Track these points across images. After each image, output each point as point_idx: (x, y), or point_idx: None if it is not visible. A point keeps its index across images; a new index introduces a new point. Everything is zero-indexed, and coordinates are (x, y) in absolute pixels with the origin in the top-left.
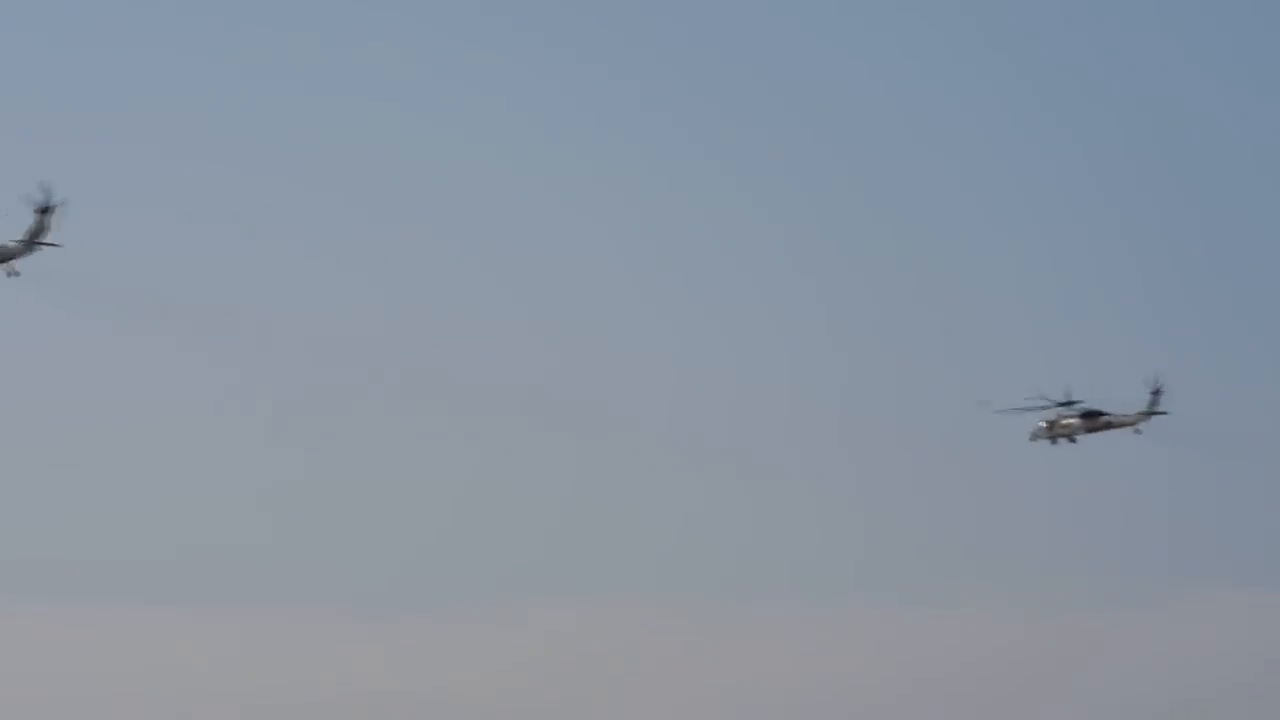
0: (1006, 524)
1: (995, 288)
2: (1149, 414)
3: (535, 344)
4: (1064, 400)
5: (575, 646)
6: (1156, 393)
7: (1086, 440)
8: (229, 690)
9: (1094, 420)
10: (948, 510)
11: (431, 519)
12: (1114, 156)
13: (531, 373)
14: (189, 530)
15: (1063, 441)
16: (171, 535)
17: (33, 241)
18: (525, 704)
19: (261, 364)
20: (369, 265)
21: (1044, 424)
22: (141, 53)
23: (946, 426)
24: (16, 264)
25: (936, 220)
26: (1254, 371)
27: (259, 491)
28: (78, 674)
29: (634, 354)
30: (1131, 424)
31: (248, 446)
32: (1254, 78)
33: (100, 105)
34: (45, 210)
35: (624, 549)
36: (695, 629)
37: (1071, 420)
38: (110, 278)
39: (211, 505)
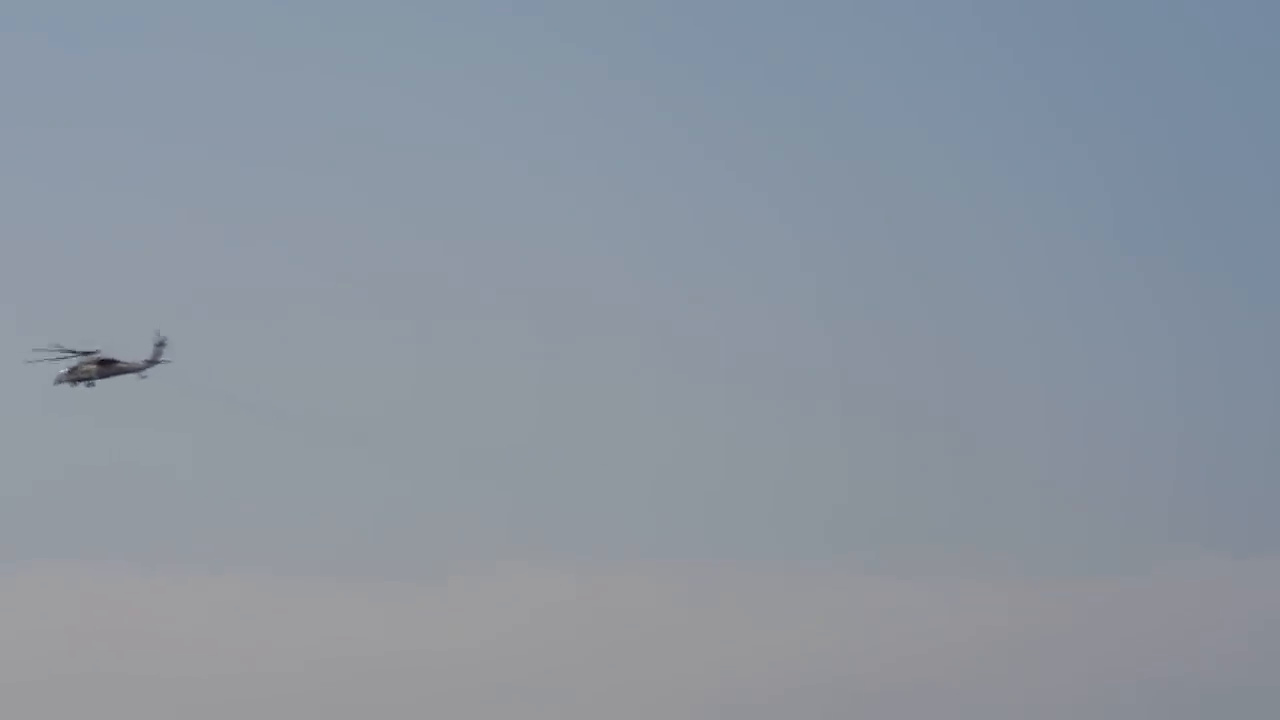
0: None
1: None
2: (153, 362)
3: (517, 309)
4: (84, 350)
5: (569, 613)
6: (160, 344)
7: (103, 384)
8: (214, 658)
9: (109, 366)
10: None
11: (425, 482)
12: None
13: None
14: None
15: (82, 385)
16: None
17: None
18: (518, 670)
19: None
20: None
21: (65, 370)
22: None
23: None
24: None
25: None
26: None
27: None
28: (56, 634)
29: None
30: (139, 370)
31: None
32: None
33: None
34: None
35: (618, 514)
36: (677, 595)
37: (90, 367)
38: None
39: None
